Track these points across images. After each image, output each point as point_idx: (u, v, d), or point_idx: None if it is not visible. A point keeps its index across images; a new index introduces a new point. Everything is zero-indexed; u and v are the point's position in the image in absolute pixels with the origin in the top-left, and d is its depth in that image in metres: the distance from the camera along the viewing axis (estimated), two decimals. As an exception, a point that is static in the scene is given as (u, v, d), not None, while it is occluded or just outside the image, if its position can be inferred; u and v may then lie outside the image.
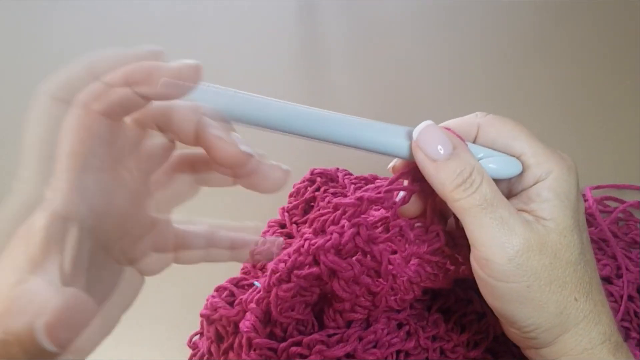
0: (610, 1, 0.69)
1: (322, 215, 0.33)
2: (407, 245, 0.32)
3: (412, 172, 0.31)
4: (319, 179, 0.48)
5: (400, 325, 0.36)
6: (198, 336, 0.39)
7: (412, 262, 0.32)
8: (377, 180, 0.49)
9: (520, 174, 0.28)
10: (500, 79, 0.61)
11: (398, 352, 0.35)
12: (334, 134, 0.28)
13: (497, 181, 0.28)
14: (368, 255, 0.32)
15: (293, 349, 0.33)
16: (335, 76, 0.63)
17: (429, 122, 0.28)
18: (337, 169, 0.50)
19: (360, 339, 0.34)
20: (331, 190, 0.47)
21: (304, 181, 0.48)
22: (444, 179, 0.27)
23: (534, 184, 0.28)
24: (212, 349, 0.36)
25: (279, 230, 0.41)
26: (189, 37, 0.69)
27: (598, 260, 0.42)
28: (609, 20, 0.67)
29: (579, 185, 0.29)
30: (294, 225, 0.41)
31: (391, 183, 0.31)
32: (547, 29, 0.67)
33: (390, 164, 0.32)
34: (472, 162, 0.27)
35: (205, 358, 0.36)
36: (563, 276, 0.26)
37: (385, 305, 0.33)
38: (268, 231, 0.42)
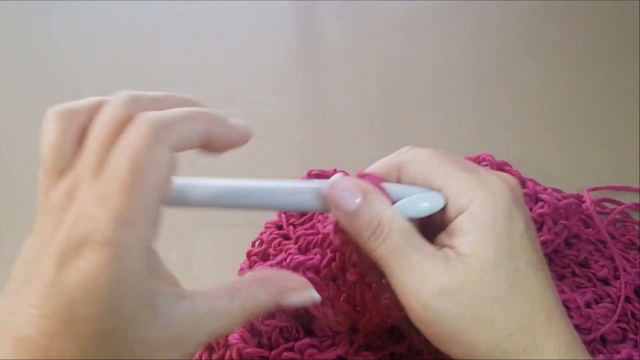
0: (610, 1, 0.69)
1: (307, 235, 0.37)
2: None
3: None
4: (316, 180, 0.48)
5: (392, 328, 0.36)
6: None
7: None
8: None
9: (444, 208, 0.27)
10: (497, 79, 0.61)
11: (392, 354, 0.35)
12: (248, 204, 0.28)
13: (430, 217, 0.27)
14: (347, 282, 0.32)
15: (285, 354, 0.33)
16: (332, 76, 0.63)
17: (337, 175, 0.28)
18: (335, 170, 0.50)
19: (352, 342, 0.34)
20: (329, 191, 0.47)
21: (301, 182, 0.48)
22: (357, 230, 0.27)
23: (457, 217, 0.27)
24: (203, 358, 0.36)
25: (275, 232, 0.41)
26: (188, 37, 0.69)
27: (595, 262, 0.42)
28: (608, 20, 0.67)
29: (575, 186, 0.28)
30: (291, 227, 0.41)
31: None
32: (545, 28, 0.67)
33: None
34: (380, 209, 0.26)
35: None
36: (489, 314, 0.25)
37: (372, 326, 0.33)
38: (265, 232, 0.42)
